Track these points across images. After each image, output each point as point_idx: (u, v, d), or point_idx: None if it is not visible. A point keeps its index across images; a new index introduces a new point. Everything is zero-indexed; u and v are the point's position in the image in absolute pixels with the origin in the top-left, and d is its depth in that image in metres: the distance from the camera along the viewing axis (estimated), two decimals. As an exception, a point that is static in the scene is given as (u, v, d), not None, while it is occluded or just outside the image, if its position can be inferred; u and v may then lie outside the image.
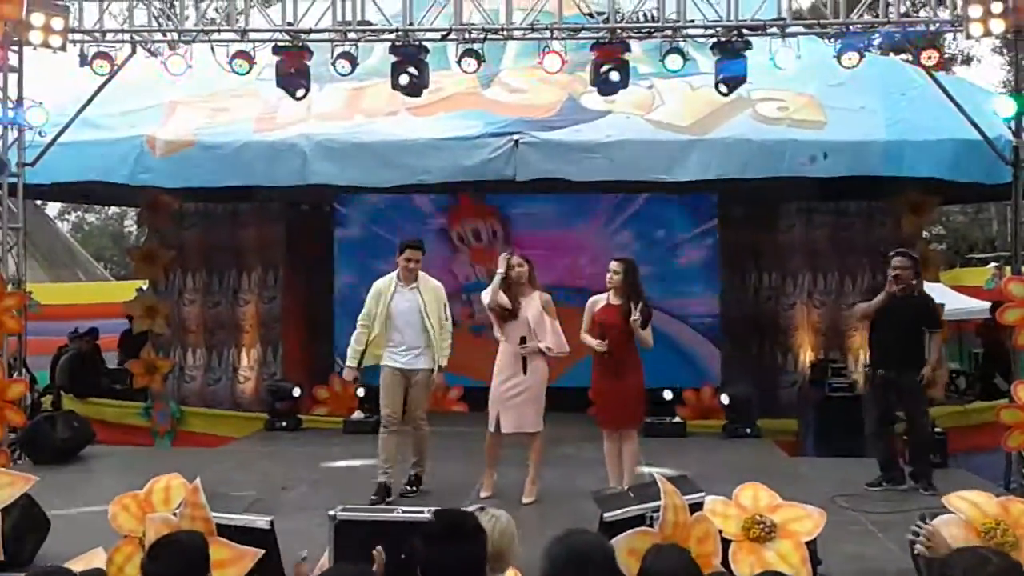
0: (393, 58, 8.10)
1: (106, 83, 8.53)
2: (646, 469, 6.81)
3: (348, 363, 6.92)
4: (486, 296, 6.73)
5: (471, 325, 10.34)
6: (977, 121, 8.27)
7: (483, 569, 2.64)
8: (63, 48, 7.97)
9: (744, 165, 9.16)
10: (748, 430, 9.75)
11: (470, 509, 3.12)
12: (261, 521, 4.09)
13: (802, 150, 9.12)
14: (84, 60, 8.17)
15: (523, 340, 6.62)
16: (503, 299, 6.61)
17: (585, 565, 2.55)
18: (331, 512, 3.96)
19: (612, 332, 6.41)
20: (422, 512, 3.89)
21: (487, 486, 6.84)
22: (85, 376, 11.80)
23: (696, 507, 4.11)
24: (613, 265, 6.53)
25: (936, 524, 4.27)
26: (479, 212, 11.54)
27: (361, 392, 9.98)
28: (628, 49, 8.17)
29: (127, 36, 8.43)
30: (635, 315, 6.29)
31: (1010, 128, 8.12)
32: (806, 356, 11.07)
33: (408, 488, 6.87)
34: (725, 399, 10.06)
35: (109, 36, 8.37)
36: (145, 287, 11.71)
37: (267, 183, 9.92)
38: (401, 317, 6.72)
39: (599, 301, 6.59)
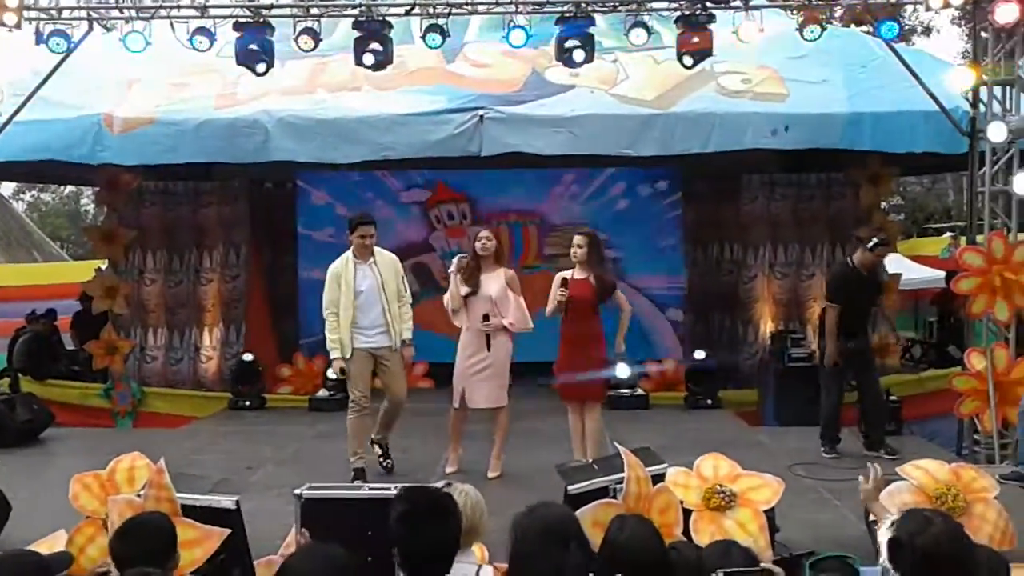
0: (356, 33, 8.02)
1: (63, 61, 8.37)
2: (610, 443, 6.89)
3: (334, 356, 6.66)
4: (447, 302, 6.78)
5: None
6: (935, 92, 8.39)
7: (457, 546, 2.66)
8: (18, 26, 7.80)
9: (707, 139, 9.22)
10: (709, 401, 9.90)
11: (438, 485, 3.14)
12: (227, 501, 4.08)
13: (764, 123, 9.20)
14: (40, 38, 8.00)
15: (486, 317, 6.64)
16: (459, 294, 6.67)
17: (552, 537, 2.58)
18: (297, 491, 3.97)
19: (578, 306, 6.46)
20: (389, 489, 3.91)
21: (452, 461, 6.88)
22: (43, 358, 11.64)
23: (659, 478, 4.17)
24: (577, 239, 6.57)
25: (891, 490, 4.40)
26: (451, 195, 11.56)
27: (331, 374, 9.94)
28: (593, 23, 8.16)
29: (84, 13, 8.26)
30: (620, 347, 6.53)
31: (967, 99, 8.26)
32: (766, 327, 11.21)
33: (383, 461, 6.82)
34: (687, 371, 10.17)
35: (65, 13, 8.19)
36: (104, 267, 11.56)
37: (228, 160, 9.80)
38: (362, 296, 6.60)
39: (564, 275, 6.63)
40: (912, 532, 2.39)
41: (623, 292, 6.92)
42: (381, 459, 6.88)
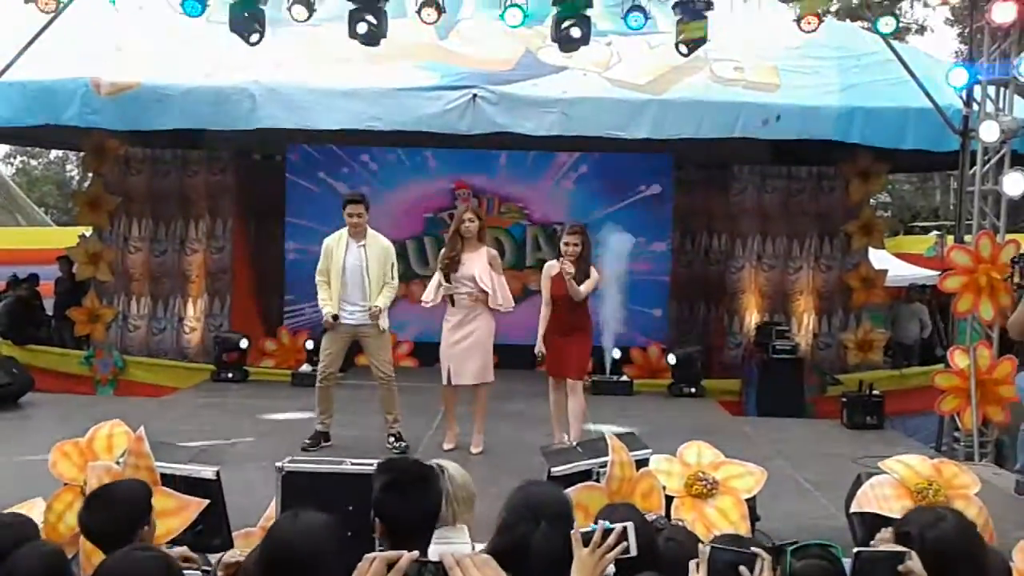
0: (351, 5, 7.92)
1: (51, 22, 8.24)
2: (593, 427, 6.90)
3: (326, 313, 6.77)
4: (427, 296, 6.88)
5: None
6: (929, 90, 8.39)
7: (437, 517, 2.65)
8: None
9: (699, 125, 9.19)
10: (693, 389, 9.91)
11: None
12: (207, 471, 4.03)
13: (756, 113, 9.17)
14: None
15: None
16: (436, 289, 6.79)
17: (527, 513, 2.57)
18: (278, 464, 3.93)
19: (566, 300, 6.52)
20: (371, 464, 3.89)
21: (449, 438, 6.94)
22: (25, 323, 11.55)
23: (642, 463, 4.16)
24: (570, 239, 6.57)
25: (872, 483, 4.41)
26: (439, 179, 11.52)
27: (310, 345, 9.92)
28: (591, 5, 8.11)
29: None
30: (568, 270, 6.46)
31: (961, 98, 8.27)
32: (751, 318, 11.24)
33: (393, 445, 6.83)
34: (672, 359, 10.19)
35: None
36: (88, 233, 11.45)
37: (215, 127, 9.69)
38: (348, 272, 6.72)
39: (554, 267, 6.69)
40: (923, 526, 2.37)
41: (601, 274, 6.99)
42: (389, 443, 6.86)
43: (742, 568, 2.25)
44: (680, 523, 3.65)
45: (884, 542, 2.85)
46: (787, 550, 2.39)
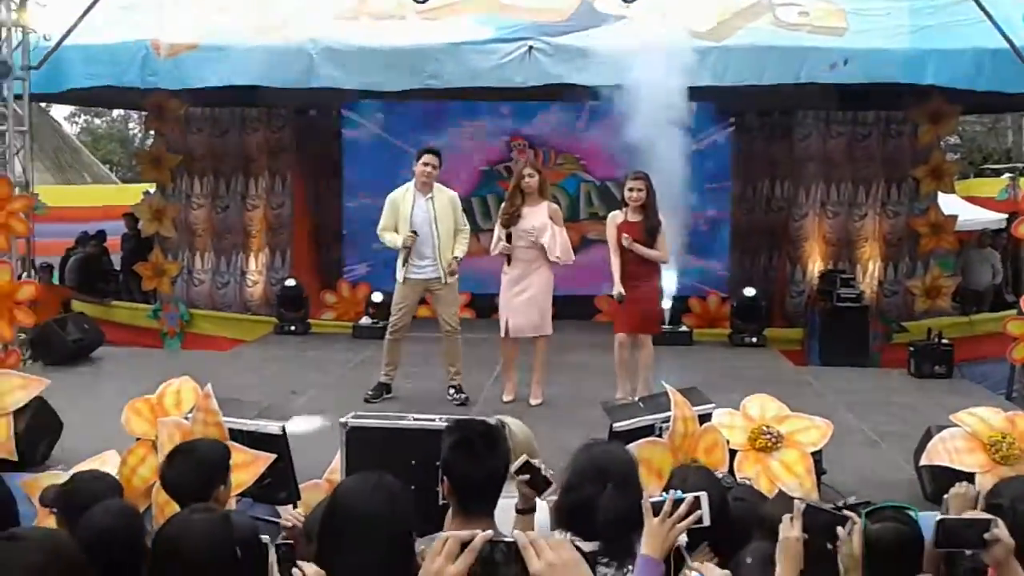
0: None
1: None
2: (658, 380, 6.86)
3: (405, 236, 6.66)
4: (493, 249, 6.87)
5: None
6: (1005, 29, 8.03)
7: (505, 478, 2.65)
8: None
9: (762, 71, 8.94)
10: (754, 339, 9.78)
11: (489, 419, 3.12)
12: (273, 426, 4.11)
13: (822, 57, 8.89)
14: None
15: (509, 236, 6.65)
16: (501, 242, 6.75)
17: (593, 474, 2.56)
18: (342, 419, 3.98)
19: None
20: (434, 420, 3.92)
21: (509, 390, 6.96)
22: (94, 278, 11.85)
23: (705, 418, 4.13)
24: (635, 184, 6.48)
25: (943, 436, 4.33)
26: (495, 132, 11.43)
27: (378, 297, 10.02)
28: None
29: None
30: (627, 241, 6.40)
31: (1038, 36, 7.91)
32: (815, 266, 11.03)
33: (454, 397, 6.90)
34: (733, 308, 10.05)
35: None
36: (152, 190, 11.66)
37: (273, 85, 9.73)
38: (416, 226, 6.71)
39: (618, 217, 6.62)
40: (1015, 498, 2.30)
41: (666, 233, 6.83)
42: (450, 395, 6.93)
43: (839, 529, 2.24)
44: (747, 481, 3.62)
45: (958, 496, 2.79)
46: (861, 512, 2.35)
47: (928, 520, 2.63)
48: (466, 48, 9.02)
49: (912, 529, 2.44)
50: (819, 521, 2.25)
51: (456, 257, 6.77)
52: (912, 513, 2.48)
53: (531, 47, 8.86)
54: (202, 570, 2.05)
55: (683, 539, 2.08)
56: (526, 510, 2.73)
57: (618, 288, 6.54)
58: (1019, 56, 8.01)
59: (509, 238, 6.66)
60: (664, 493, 2.15)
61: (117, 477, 3.80)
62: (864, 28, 9.15)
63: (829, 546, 2.23)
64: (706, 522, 2.09)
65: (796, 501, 2.32)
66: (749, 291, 10.18)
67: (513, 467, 2.71)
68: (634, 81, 8.79)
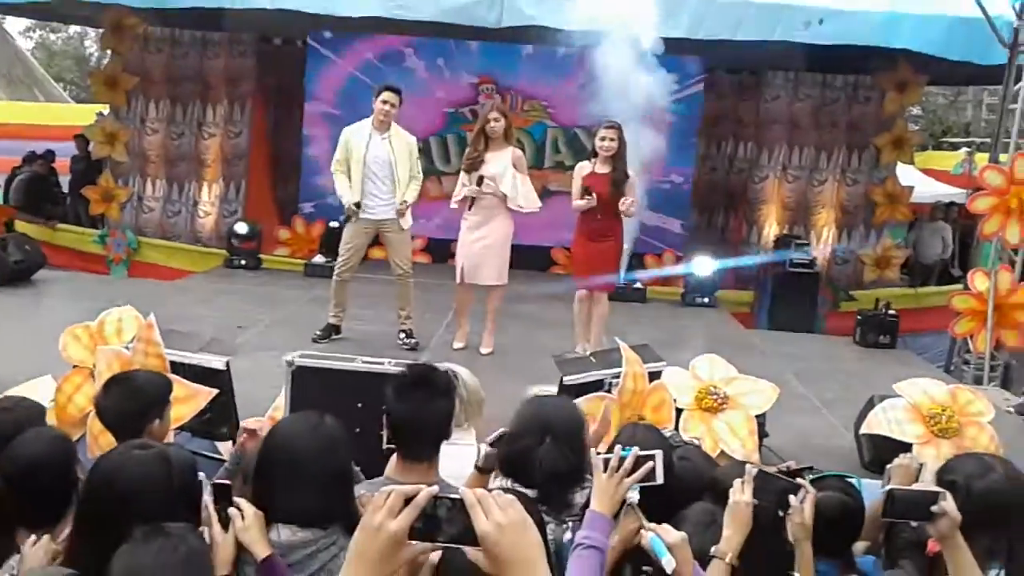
0: None
1: None
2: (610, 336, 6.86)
3: (348, 201, 6.59)
4: (456, 196, 6.72)
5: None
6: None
7: (450, 424, 2.62)
8: None
9: (736, 26, 8.87)
10: (706, 300, 9.83)
11: (437, 365, 3.07)
12: (217, 361, 4.03)
13: (797, 16, 8.84)
14: None
15: (480, 180, 6.48)
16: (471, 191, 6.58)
17: (534, 425, 2.55)
18: (287, 357, 3.91)
19: (599, 200, 6.31)
20: (381, 363, 3.86)
21: (460, 337, 6.89)
22: (40, 199, 11.52)
23: (656, 375, 4.13)
24: (607, 132, 6.34)
25: (884, 406, 4.38)
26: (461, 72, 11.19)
27: (335, 224, 9.83)
28: None
29: None
30: (624, 205, 6.26)
31: (1014, 9, 7.92)
32: (771, 230, 11.09)
33: (404, 341, 6.81)
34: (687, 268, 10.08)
35: None
36: (105, 112, 11.31)
37: (236, 6, 9.40)
38: (371, 165, 6.55)
39: (585, 167, 6.46)
40: (969, 476, 2.32)
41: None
42: (400, 339, 6.85)
43: (792, 497, 2.24)
44: (695, 442, 3.63)
45: (901, 468, 2.82)
46: (806, 476, 2.36)
47: (870, 489, 2.66)
48: (439, -19, 8.81)
49: (855, 500, 2.47)
50: (770, 487, 2.24)
51: (405, 201, 6.63)
52: (855, 482, 2.50)
53: None
54: (137, 506, 2.00)
55: (635, 496, 2.05)
56: (485, 469, 2.70)
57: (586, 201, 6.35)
58: (993, 28, 8.02)
59: (480, 181, 6.51)
60: (618, 449, 2.12)
61: (52, 403, 3.71)
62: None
63: (780, 513, 2.23)
64: (659, 480, 2.07)
65: (748, 466, 2.31)
66: (702, 254, 10.13)
67: (489, 438, 2.69)
68: (608, 27, 8.67)
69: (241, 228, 10.28)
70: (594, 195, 6.28)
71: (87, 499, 2.14)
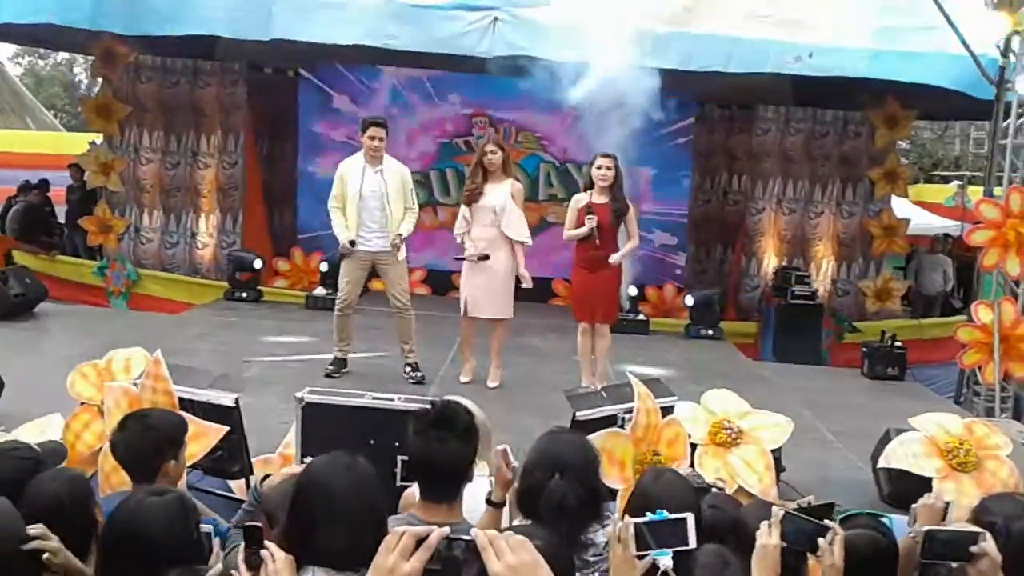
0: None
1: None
2: (612, 367, 6.83)
3: (344, 239, 6.59)
4: (458, 229, 6.72)
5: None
6: (966, 38, 8.10)
7: (471, 464, 2.57)
8: None
9: (727, 59, 8.92)
10: (710, 331, 9.79)
11: (440, 399, 3.03)
12: (226, 398, 3.98)
13: (787, 50, 8.90)
14: None
15: (485, 257, 6.52)
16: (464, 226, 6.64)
17: (546, 461, 2.52)
18: (298, 394, 3.86)
19: (599, 227, 6.28)
20: (391, 399, 3.82)
21: (466, 371, 6.83)
22: (36, 229, 11.45)
23: (668, 411, 4.09)
24: (604, 162, 6.33)
25: (901, 440, 4.35)
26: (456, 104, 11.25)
27: (324, 267, 9.82)
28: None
29: None
30: (614, 258, 6.34)
31: (998, 47, 8.01)
32: (769, 262, 11.12)
33: (410, 375, 6.75)
34: (689, 299, 10.08)
35: None
36: (99, 141, 11.26)
37: (229, 36, 9.39)
38: (365, 199, 6.52)
39: (582, 199, 6.44)
40: (1008, 516, 2.29)
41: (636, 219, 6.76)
42: (406, 373, 6.79)
43: (820, 540, 2.19)
44: (720, 484, 3.59)
45: (927, 507, 2.78)
46: (835, 517, 2.33)
47: (898, 526, 2.63)
48: (430, 12, 8.83)
49: (887, 538, 2.43)
50: (798, 529, 2.20)
51: (400, 235, 6.60)
52: (886, 521, 2.47)
53: (496, 18, 8.71)
54: (163, 552, 1.96)
55: (668, 562, 1.95)
56: (498, 504, 2.65)
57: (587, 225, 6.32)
58: (978, 65, 8.09)
59: (472, 205, 6.51)
60: (649, 514, 2.01)
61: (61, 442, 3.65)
62: (829, 25, 9.16)
63: (808, 556, 2.19)
64: (691, 544, 1.97)
65: (775, 508, 2.27)
66: (704, 285, 10.16)
67: (495, 460, 2.66)
68: (600, 59, 8.72)
69: (257, 264, 10.14)
70: (595, 216, 6.24)
71: (110, 547, 2.13)
